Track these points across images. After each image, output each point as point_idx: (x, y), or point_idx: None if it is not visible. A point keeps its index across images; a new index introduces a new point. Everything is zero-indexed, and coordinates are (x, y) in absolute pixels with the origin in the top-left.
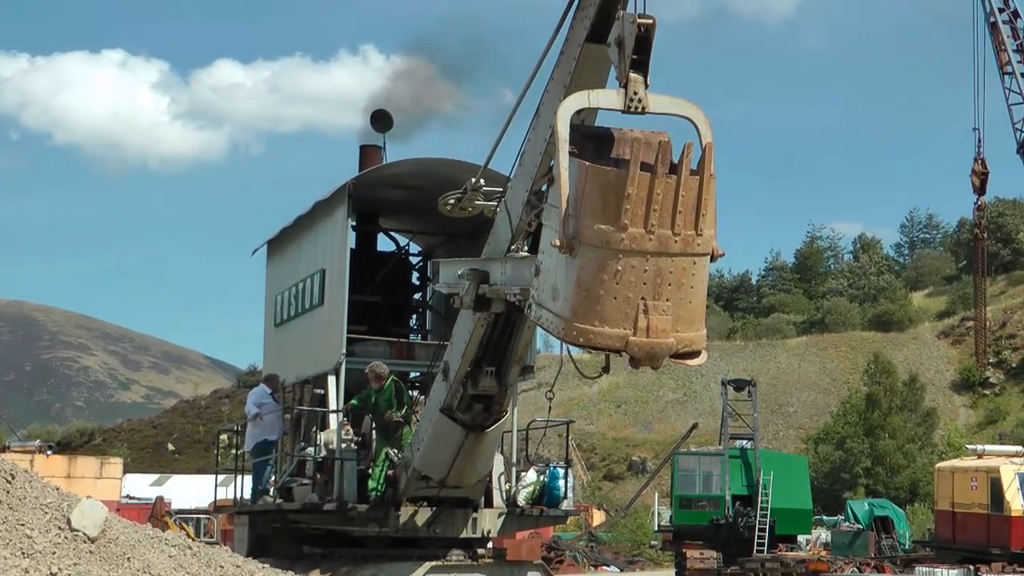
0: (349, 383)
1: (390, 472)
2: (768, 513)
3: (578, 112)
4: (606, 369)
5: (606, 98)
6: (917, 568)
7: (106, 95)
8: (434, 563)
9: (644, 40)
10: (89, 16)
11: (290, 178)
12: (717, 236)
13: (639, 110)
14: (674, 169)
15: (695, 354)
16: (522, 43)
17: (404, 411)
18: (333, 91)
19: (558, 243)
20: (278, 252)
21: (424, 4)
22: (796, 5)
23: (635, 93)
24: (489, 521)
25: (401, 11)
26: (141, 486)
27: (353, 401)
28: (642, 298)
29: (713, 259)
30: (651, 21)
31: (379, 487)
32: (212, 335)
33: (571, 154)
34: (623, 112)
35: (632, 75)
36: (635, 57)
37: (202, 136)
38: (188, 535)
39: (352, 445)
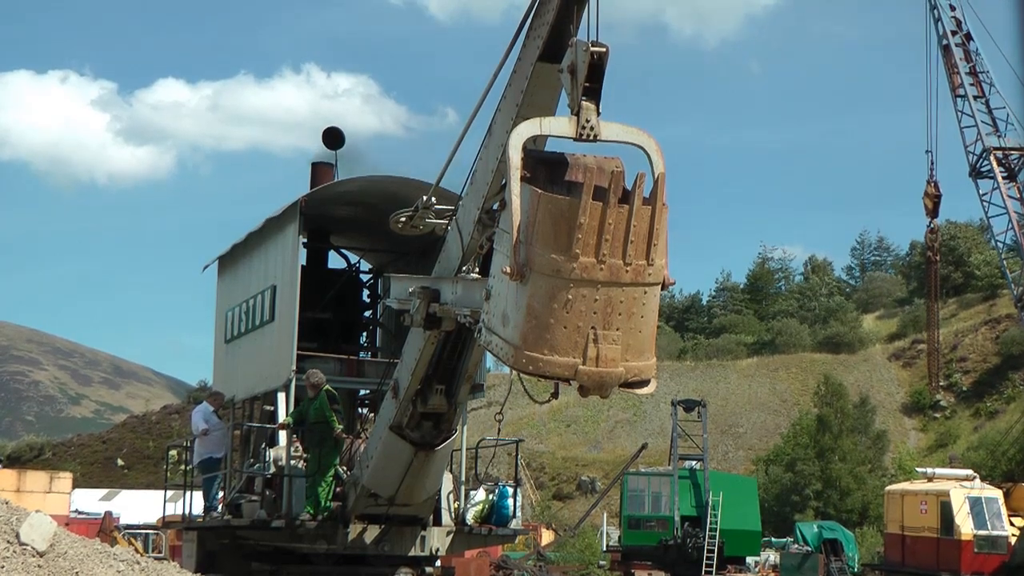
0: (299, 400)
1: (338, 489)
2: (717, 534)
3: (531, 136)
4: (555, 395)
5: (558, 126)
6: None
7: (51, 113)
8: None
9: (597, 68)
10: (33, 37)
11: (240, 196)
12: (668, 263)
13: (591, 138)
14: (626, 198)
15: (644, 383)
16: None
17: (334, 421)
18: (278, 110)
19: (508, 270)
20: (229, 268)
21: (361, 21)
22: (737, 29)
23: (587, 121)
24: (438, 539)
25: (340, 29)
26: (90, 501)
27: (288, 419)
28: (592, 327)
29: (664, 288)
30: (604, 49)
31: (327, 504)
32: (163, 351)
33: (523, 179)
34: (575, 140)
35: (584, 103)
36: (587, 85)
37: (150, 153)
38: (137, 550)
39: (301, 462)
